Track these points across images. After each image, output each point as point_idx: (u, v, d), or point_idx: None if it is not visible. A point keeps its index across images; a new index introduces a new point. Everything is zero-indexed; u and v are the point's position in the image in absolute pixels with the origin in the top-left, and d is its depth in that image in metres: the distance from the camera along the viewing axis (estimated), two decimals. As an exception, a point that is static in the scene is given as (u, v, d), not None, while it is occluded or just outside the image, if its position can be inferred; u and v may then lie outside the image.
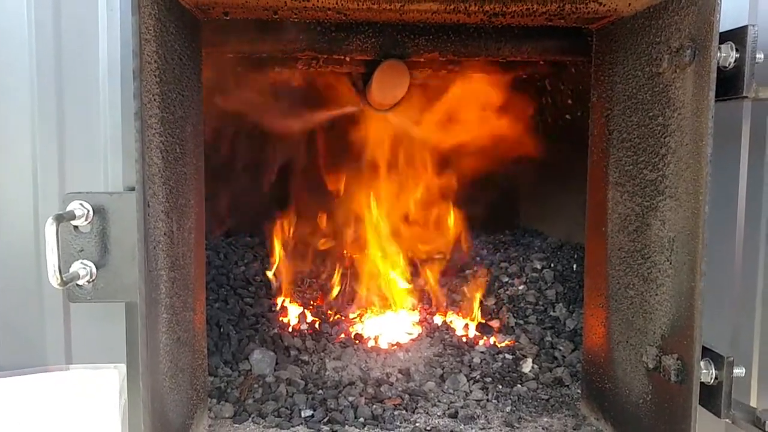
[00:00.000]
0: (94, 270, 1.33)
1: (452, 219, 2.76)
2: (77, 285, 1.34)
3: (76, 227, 1.33)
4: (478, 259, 2.69)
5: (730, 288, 1.56)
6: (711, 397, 1.34)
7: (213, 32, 1.73)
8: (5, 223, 1.45)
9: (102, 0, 1.43)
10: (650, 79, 1.42)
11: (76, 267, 1.32)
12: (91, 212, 1.32)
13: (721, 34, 1.23)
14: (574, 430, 1.68)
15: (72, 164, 1.45)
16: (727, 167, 1.52)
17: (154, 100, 1.25)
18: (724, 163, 1.51)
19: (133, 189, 1.25)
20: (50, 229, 1.20)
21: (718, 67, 1.24)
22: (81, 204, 1.31)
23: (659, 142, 1.39)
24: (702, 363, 1.30)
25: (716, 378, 1.33)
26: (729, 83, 1.31)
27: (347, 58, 2.17)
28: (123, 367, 1.49)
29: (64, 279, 1.24)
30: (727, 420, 1.33)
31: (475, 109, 2.64)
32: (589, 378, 1.73)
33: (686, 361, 1.30)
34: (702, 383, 1.30)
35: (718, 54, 1.24)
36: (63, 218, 1.25)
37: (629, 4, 1.46)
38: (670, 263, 1.36)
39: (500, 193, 3.06)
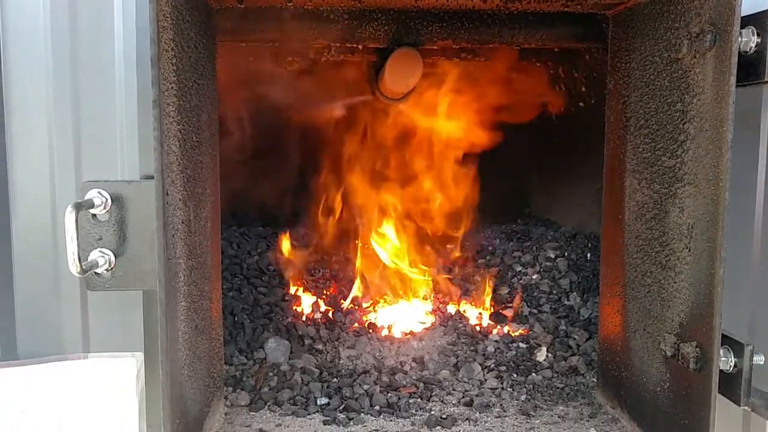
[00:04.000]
0: (112, 258, 1.33)
1: (463, 208, 2.75)
2: (96, 273, 1.34)
3: (94, 216, 1.33)
4: (490, 248, 2.68)
5: (747, 274, 1.55)
6: (730, 384, 1.33)
7: (224, 20, 1.73)
8: (22, 212, 1.45)
9: (117, -12, 1.43)
10: (669, 65, 1.41)
11: (95, 255, 1.32)
12: (109, 201, 1.32)
13: (741, 18, 1.22)
14: (591, 418, 1.68)
15: (88, 153, 1.45)
16: (746, 153, 1.51)
17: (171, 88, 1.25)
18: (743, 149, 1.49)
19: (150, 177, 1.25)
20: (70, 217, 1.20)
21: (739, 52, 1.23)
22: (99, 192, 1.31)
23: (678, 129, 1.38)
24: (721, 350, 1.30)
25: (735, 366, 1.32)
26: (750, 68, 1.29)
27: (360, 47, 2.16)
28: (140, 355, 1.49)
29: (84, 267, 1.24)
30: (746, 408, 1.33)
31: (485, 96, 2.63)
32: (605, 366, 1.73)
33: (705, 349, 1.30)
34: (721, 371, 1.30)
35: (740, 39, 1.23)
36: (82, 206, 1.25)
37: (648, -11, 1.45)
38: (689, 250, 1.35)
39: (510, 182, 3.06)
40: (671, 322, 1.42)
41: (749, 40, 1.26)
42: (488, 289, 2.34)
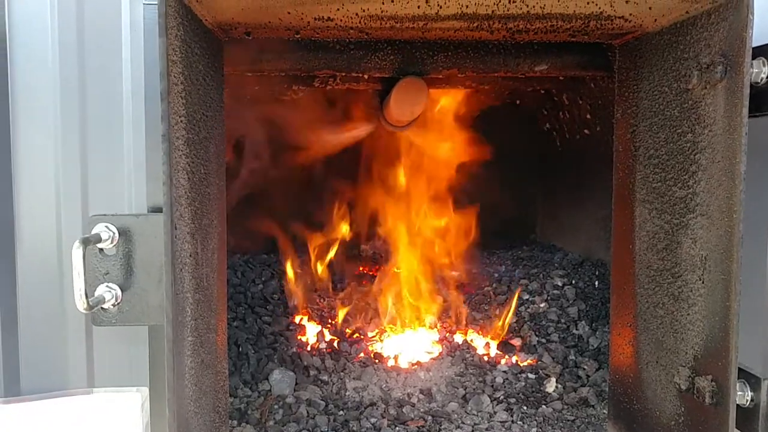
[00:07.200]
0: (119, 293, 1.32)
1: (468, 234, 2.74)
2: (102, 308, 1.32)
3: (101, 250, 1.31)
4: (496, 275, 2.66)
5: (762, 306, 1.52)
6: (746, 420, 1.31)
7: (231, 51, 1.73)
8: (28, 245, 1.44)
9: (126, 21, 1.42)
10: (678, 95, 1.40)
11: (102, 290, 1.31)
12: (116, 235, 1.30)
13: (752, 49, 1.22)
14: (603, 452, 1.65)
15: (95, 186, 1.44)
16: (756, 183, 1.50)
17: (181, 121, 1.24)
18: (753, 179, 1.48)
19: (158, 210, 1.24)
20: (77, 252, 1.19)
21: (750, 84, 1.22)
22: (106, 226, 1.30)
23: (689, 159, 1.37)
24: (737, 384, 1.27)
25: (752, 400, 1.30)
26: (761, 99, 1.29)
27: (365, 76, 2.16)
28: (146, 390, 1.47)
29: (90, 303, 1.23)
30: (764, 443, 1.30)
31: (489, 122, 2.64)
32: (617, 398, 1.70)
33: (721, 383, 1.27)
34: (737, 406, 1.27)
35: (751, 70, 1.23)
36: (89, 241, 1.24)
37: (655, 20, 1.45)
38: (703, 282, 1.34)
39: (516, 207, 3.05)
40: (685, 354, 1.40)
41: (760, 71, 1.26)
42: (495, 318, 2.32)
